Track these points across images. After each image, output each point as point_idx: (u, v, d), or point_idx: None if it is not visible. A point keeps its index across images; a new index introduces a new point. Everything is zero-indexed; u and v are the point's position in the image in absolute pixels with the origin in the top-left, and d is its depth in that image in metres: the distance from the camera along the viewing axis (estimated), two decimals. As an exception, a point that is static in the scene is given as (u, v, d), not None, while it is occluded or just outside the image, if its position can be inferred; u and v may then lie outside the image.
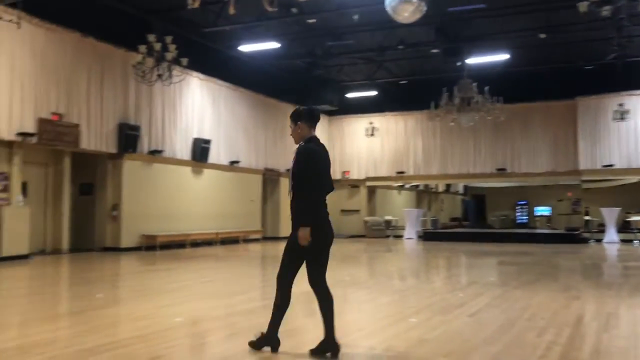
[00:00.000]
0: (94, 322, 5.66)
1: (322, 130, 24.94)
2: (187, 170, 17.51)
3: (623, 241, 19.58)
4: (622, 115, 20.36)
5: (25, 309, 6.73)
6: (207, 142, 17.93)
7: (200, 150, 17.64)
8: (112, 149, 14.93)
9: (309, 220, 4.25)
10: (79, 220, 15.19)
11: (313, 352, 4.32)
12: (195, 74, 17.53)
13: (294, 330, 5.38)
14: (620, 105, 20.51)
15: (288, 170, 21.17)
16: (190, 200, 17.47)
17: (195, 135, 17.72)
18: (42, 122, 12.84)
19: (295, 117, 4.64)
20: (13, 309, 6.79)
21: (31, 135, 12.56)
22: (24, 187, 13.18)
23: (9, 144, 12.49)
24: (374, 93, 22.64)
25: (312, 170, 4.36)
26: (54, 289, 9.02)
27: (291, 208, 4.39)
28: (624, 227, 21.36)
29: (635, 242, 19.41)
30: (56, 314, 6.58)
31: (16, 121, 12.33)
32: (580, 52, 18.93)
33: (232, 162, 19.33)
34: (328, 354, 4.25)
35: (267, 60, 19.21)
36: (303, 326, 5.76)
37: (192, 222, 17.30)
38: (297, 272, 4.44)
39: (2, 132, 12.02)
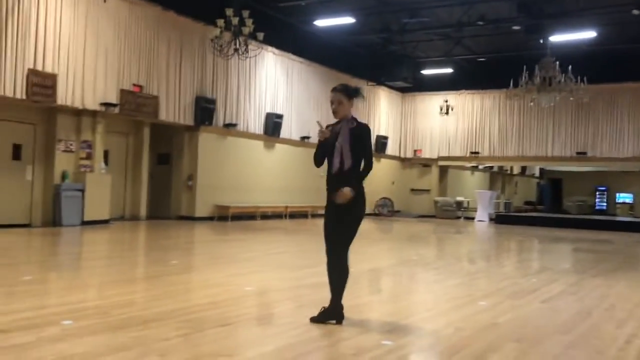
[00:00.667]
0: (168, 287, 5.88)
1: (395, 107, 24.68)
2: (259, 144, 17.79)
3: None
4: None
5: (105, 272, 7.08)
6: (280, 117, 18.11)
7: (273, 125, 17.84)
8: (189, 121, 15.34)
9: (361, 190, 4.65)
10: (156, 189, 15.80)
11: (315, 319, 4.44)
12: (270, 48, 17.67)
13: (359, 306, 5.40)
14: None
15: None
16: (262, 173, 17.78)
17: (268, 110, 17.93)
18: (124, 94, 13.33)
19: (351, 93, 4.73)
20: (93, 271, 7.17)
21: (114, 105, 13.08)
22: (106, 156, 13.80)
23: (93, 114, 13.06)
24: (449, 70, 22.09)
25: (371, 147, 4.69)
26: (131, 253, 9.45)
27: (342, 179, 4.56)
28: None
29: None
30: (133, 277, 6.90)
31: (100, 92, 12.86)
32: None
33: (303, 138, 19.45)
34: (333, 321, 4.38)
35: (342, 35, 19.09)
36: (370, 302, 5.76)
37: (262, 194, 17.62)
38: None
39: (87, 102, 12.57)
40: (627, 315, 5.28)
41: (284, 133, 18.43)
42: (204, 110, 15.42)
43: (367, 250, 11.00)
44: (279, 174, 18.53)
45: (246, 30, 13.00)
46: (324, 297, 5.67)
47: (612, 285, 7.06)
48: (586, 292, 6.53)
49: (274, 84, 18.32)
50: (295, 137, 19.19)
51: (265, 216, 17.42)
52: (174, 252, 9.39)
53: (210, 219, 15.80)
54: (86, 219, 12.52)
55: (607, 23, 17.27)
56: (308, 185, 19.74)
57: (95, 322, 4.29)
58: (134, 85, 13.68)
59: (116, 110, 13.20)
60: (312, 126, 19.86)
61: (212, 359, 3.49)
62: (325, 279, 6.98)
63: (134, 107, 13.62)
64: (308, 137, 19.59)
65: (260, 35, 13.46)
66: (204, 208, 15.82)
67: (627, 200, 28.16)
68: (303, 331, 4.21)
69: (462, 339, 4.19)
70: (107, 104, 12.93)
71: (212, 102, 15.73)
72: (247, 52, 13.30)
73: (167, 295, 5.47)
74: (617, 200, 28.62)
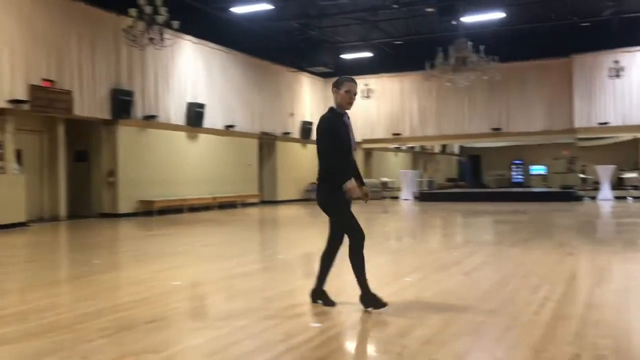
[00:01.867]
0: (92, 287, 5.72)
1: (317, 93, 24.81)
2: (182, 135, 17.45)
3: (617, 198, 19.73)
4: (617, 72, 20.27)
5: (24, 276, 6.79)
6: (202, 106, 17.83)
7: (195, 115, 17.55)
8: (106, 115, 14.84)
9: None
10: (75, 187, 15.21)
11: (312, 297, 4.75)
12: (187, 37, 17.31)
13: (292, 292, 5.46)
14: (616, 62, 20.41)
15: (286, 133, 20.93)
16: (187, 165, 17.48)
17: (189, 100, 17.61)
18: (33, 89, 12.72)
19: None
20: (12, 276, 6.85)
21: (23, 102, 12.45)
22: (19, 155, 13.14)
23: (1, 111, 12.39)
24: (369, 54, 22.42)
25: None
26: (52, 255, 9.09)
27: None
28: (618, 184, 21.49)
29: (628, 198, 19.55)
30: (55, 280, 6.65)
31: (7, 88, 12.21)
32: (576, 8, 18.69)
33: (228, 127, 19.25)
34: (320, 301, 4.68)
35: (260, 22, 18.95)
36: (303, 286, 5.83)
37: (189, 187, 17.35)
38: None
39: (-7, 100, 11.91)
40: (540, 281, 5.62)
41: (207, 123, 18.16)
42: (121, 103, 14.94)
43: (298, 235, 11.09)
44: (205, 164, 18.28)
45: (160, 19, 12.66)
46: (255, 286, 5.70)
47: (527, 254, 7.47)
48: (504, 261, 6.88)
49: (194, 73, 17.99)
50: (220, 126, 18.96)
51: (192, 209, 17.16)
52: (97, 250, 9.11)
53: (134, 215, 15.40)
54: (0, 222, 11.90)
55: (514, 3, 18.05)
56: (236, 174, 19.61)
57: (13, 329, 4.12)
58: (44, 80, 13.07)
59: (26, 107, 12.57)
60: (236, 114, 19.68)
61: (138, 357, 3.44)
62: (256, 266, 7.00)
63: (45, 103, 13.03)
64: (232, 126, 19.41)
65: (176, 24, 13.15)
66: (128, 204, 15.40)
67: (541, 172, 29.69)
68: (233, 321, 4.22)
69: (389, 315, 4.33)
70: (15, 101, 12.29)
71: (130, 94, 15.27)
72: (163, 41, 12.97)
73: (91, 295, 5.32)
74: (531, 172, 30.10)
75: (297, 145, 23.39)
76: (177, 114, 17.20)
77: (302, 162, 23.62)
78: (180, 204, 16.70)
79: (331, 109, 4.64)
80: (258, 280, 6.07)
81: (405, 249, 8.61)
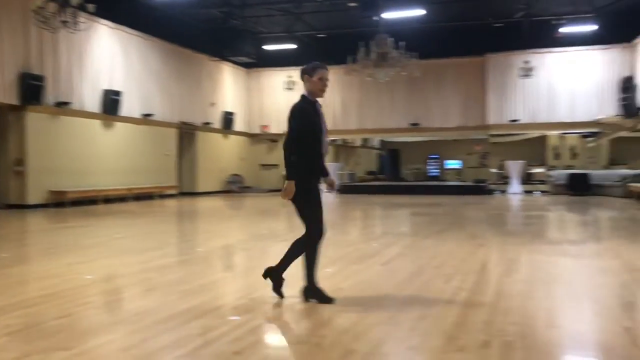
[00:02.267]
0: (-3, 283, 5.40)
1: (240, 83, 24.54)
2: (97, 123, 16.77)
3: (526, 192, 20.81)
4: (527, 72, 21.32)
5: None
6: (118, 93, 17.19)
7: (111, 103, 16.90)
8: (14, 100, 14.02)
9: None
10: (-22, 177, 14.28)
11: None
12: (103, 21, 16.64)
13: (210, 285, 5.39)
14: (526, 62, 21.46)
15: (207, 123, 20.56)
16: (102, 154, 16.82)
17: (105, 87, 16.93)
18: None
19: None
20: None
21: None
22: None
23: None
24: (292, 46, 22.40)
25: None
26: (-48, 249, 8.50)
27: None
28: (526, 178, 22.68)
29: (536, 192, 20.67)
30: (-45, 275, 6.22)
31: None
32: (490, 9, 19.50)
33: (146, 115, 18.68)
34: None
35: (181, 8, 18.50)
36: (221, 279, 5.77)
37: (104, 177, 16.71)
38: None
39: None
40: (453, 270, 5.84)
41: (124, 111, 17.54)
42: (31, 87, 14.16)
43: (218, 227, 10.95)
44: (121, 154, 17.65)
45: (74, 1, 12.08)
46: (173, 280, 5.58)
47: (441, 245, 7.75)
48: (420, 252, 7.10)
49: (111, 59, 17.30)
50: (137, 114, 18.37)
51: (107, 200, 16.55)
52: (3, 243, 8.61)
53: (45, 206, 14.67)
54: None
55: (433, 2, 18.56)
56: (153, 165, 19.08)
57: None
58: (-56, 61, 12.16)
59: None
60: (155, 103, 19.13)
61: (46, 355, 3.28)
62: (172, 259, 6.84)
63: (-56, 85, 12.12)
64: (151, 115, 18.86)
65: (91, 7, 12.61)
66: (38, 195, 14.64)
67: (455, 166, 30.81)
68: (149, 316, 4.11)
69: (308, 307, 4.37)
70: None
71: (40, 79, 14.49)
72: (77, 24, 12.38)
73: (-5, 291, 5.02)
74: (446, 167, 31.18)
75: (219, 136, 23.06)
76: (91, 101, 16.49)
77: (223, 153, 23.33)
78: (95, 195, 16.06)
79: (303, 97, 4.55)
80: (175, 274, 5.95)
81: (326, 241, 8.68)
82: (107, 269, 6.27)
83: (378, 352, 3.39)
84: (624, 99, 19.71)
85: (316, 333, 3.70)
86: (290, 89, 24.12)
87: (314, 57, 20.42)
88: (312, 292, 4.48)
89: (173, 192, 20.11)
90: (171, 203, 17.57)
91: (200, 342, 3.51)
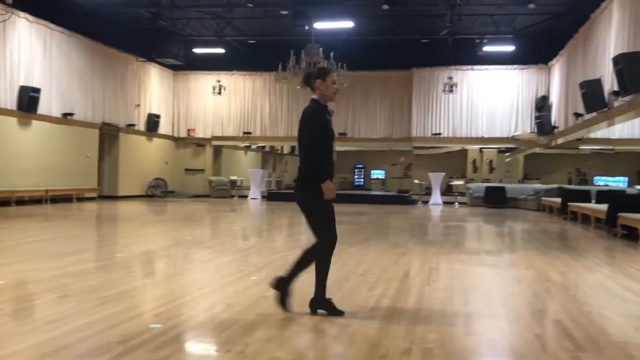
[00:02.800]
0: None
1: (166, 85, 24.05)
2: (12, 120, 15.92)
3: (446, 203, 21.52)
4: (450, 87, 22.10)
5: None
6: (37, 90, 16.39)
7: (28, 100, 16.09)
8: None
9: None
10: None
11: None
12: (23, 14, 15.87)
13: (131, 291, 5.22)
14: (450, 78, 22.25)
15: (130, 125, 19.99)
16: (16, 153, 15.97)
17: (22, 83, 16.11)
18: None
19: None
20: None
21: None
22: None
23: None
24: (222, 51, 22.19)
25: None
26: None
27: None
28: (447, 190, 23.46)
29: (456, 204, 21.42)
30: None
31: None
32: (417, 25, 20.11)
33: (66, 115, 17.93)
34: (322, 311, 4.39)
35: (107, 6, 17.94)
36: (142, 286, 5.61)
37: (18, 177, 15.87)
38: None
39: None
40: (377, 278, 5.95)
41: (43, 109, 16.75)
42: (-61, 80, 13.26)
43: (140, 232, 10.64)
44: (38, 154, 16.83)
45: (-9, -9, 11.45)
46: (91, 286, 5.36)
47: (366, 253, 7.88)
48: (345, 260, 7.18)
49: (29, 54, 16.49)
50: (56, 113, 17.59)
51: (21, 202, 15.72)
52: None
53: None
54: None
55: (362, 15, 18.95)
56: (72, 166, 18.34)
57: None
58: None
59: None
60: (76, 102, 18.39)
61: (-48, 365, 3.08)
62: (90, 265, 6.60)
63: None
64: (71, 114, 18.12)
65: (10, -1, 11.98)
66: (-57, 194, 13.70)
67: (380, 176, 31.43)
68: (65, 323, 3.94)
69: (233, 315, 4.32)
70: None
71: (-50, 71, 13.60)
72: (-7, 16, 11.74)
73: None
74: (372, 177, 31.75)
75: (142, 138, 22.46)
76: (6, 98, 15.64)
77: (146, 156, 22.73)
78: (8, 196, 15.21)
79: (315, 101, 4.43)
80: (93, 280, 5.72)
81: (251, 248, 8.64)
82: (19, 274, 5.95)
83: (302, 360, 3.39)
84: (538, 117, 20.79)
85: (240, 341, 3.66)
86: (218, 93, 23.88)
87: (243, 63, 20.49)
88: (321, 304, 4.37)
89: (93, 195, 19.38)
90: (90, 206, 16.91)
91: (120, 350, 3.39)
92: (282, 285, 4.43)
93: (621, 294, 5.55)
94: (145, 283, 5.88)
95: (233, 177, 24.52)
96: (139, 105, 22.09)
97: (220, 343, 3.70)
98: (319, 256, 4.41)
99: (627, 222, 10.29)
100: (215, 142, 24.51)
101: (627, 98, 11.63)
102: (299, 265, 4.45)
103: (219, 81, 23.90)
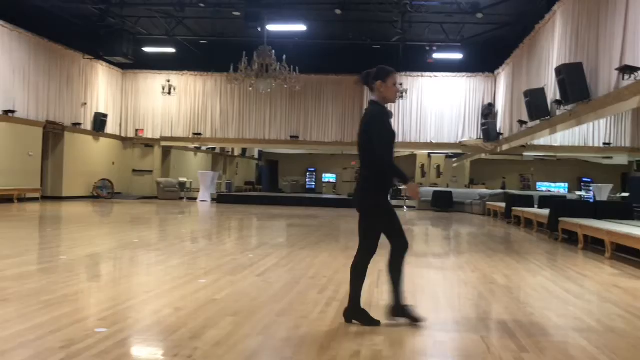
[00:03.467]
0: None
1: (114, 84, 23.52)
2: (-51, 117, 15.23)
3: (395, 207, 21.74)
4: (401, 93, 22.43)
5: None
6: (-24, 86, 15.73)
7: (-33, 96, 15.43)
8: None
9: None
10: None
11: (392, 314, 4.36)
12: (-39, 6, 15.21)
13: (75, 295, 5.07)
14: (400, 84, 22.56)
15: (76, 124, 19.46)
16: (-48, 152, 15.28)
17: (-40, 78, 15.45)
18: None
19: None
20: None
21: None
22: None
23: None
24: (172, 50, 21.86)
25: None
26: None
27: None
28: (395, 194, 23.77)
29: (404, 207, 21.72)
30: None
31: None
32: (369, 31, 20.34)
33: (7, 112, 17.27)
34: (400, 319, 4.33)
35: (52, 1, 17.38)
36: (86, 289, 5.45)
37: (-47, 177, 15.17)
38: None
39: None
40: (327, 281, 5.98)
41: (-18, 106, 16.08)
42: None
43: (85, 234, 10.35)
44: (-24, 152, 16.15)
45: None
46: (32, 289, 5.18)
47: (316, 256, 7.90)
48: (295, 263, 7.19)
49: (-32, 49, 15.82)
50: (-4, 111, 16.93)
51: (-43, 201, 15.04)
52: None
53: None
54: None
55: (315, 19, 19.03)
56: (14, 165, 17.71)
57: None
58: None
59: None
60: (18, 99, 17.74)
61: None
62: (31, 267, 6.38)
63: None
64: (13, 111, 17.48)
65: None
66: None
67: (332, 180, 31.62)
68: (4, 328, 3.79)
69: (181, 318, 4.25)
70: None
71: None
72: None
73: None
74: (323, 180, 31.91)
75: (89, 138, 21.87)
76: (-57, 93, 14.97)
77: (93, 156, 22.15)
78: (-58, 195, 14.55)
79: (375, 103, 4.27)
80: (35, 283, 5.53)
81: (200, 251, 8.53)
82: (-45, 277, 5.68)
83: (251, 363, 3.37)
84: (484, 124, 21.35)
85: (188, 345, 3.61)
86: (168, 93, 23.51)
87: (193, 63, 20.28)
88: (355, 315, 4.29)
89: (35, 195, 18.72)
90: (33, 207, 16.33)
91: (62, 355, 3.29)
92: (398, 309, 4.34)
93: (562, 296, 5.76)
94: (90, 286, 5.72)
95: (182, 179, 24.17)
96: (85, 103, 21.50)
97: (168, 347, 3.63)
98: (358, 264, 4.33)
99: (567, 226, 10.69)
100: (164, 143, 24.09)
101: (568, 107, 12.08)
102: (395, 279, 4.37)
103: (168, 81, 23.53)
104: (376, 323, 4.23)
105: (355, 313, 4.27)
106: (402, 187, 4.15)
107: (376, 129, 4.13)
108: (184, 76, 23.83)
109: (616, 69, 9.43)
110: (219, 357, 3.40)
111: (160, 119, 23.90)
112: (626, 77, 8.93)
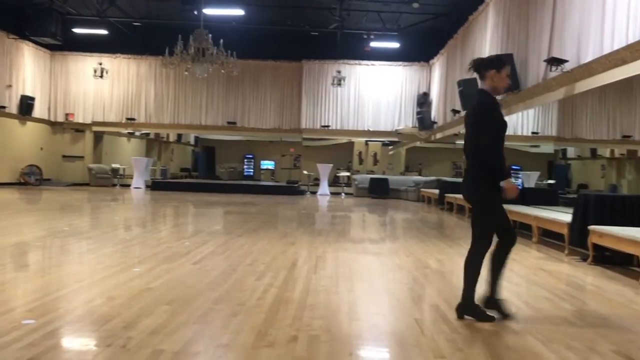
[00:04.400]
0: None
1: (42, 66, 22.50)
2: None
3: (333, 194, 22.00)
4: (339, 81, 22.56)
5: None
6: None
7: None
8: None
9: None
10: None
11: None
12: None
13: (3, 285, 4.86)
14: (338, 72, 22.70)
15: (1, 107, 18.21)
16: None
17: None
18: None
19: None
20: None
21: None
22: None
23: None
24: (104, 32, 21.08)
25: None
26: None
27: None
28: (334, 181, 23.99)
29: (342, 194, 21.95)
30: None
31: None
32: (308, 18, 20.30)
33: None
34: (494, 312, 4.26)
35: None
36: (12, 280, 5.23)
37: None
38: None
39: None
40: (265, 268, 5.98)
41: None
42: None
43: (11, 222, 9.90)
44: None
45: None
46: (-48, 280, 4.91)
47: (254, 243, 7.87)
48: (233, 250, 7.14)
49: None
50: None
51: None
52: None
53: None
54: None
55: (253, 3, 18.81)
56: None
57: None
58: None
59: None
60: None
61: None
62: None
63: None
64: None
65: None
66: None
67: (270, 167, 31.51)
68: None
69: (114, 308, 4.16)
70: None
71: None
72: None
73: None
74: (261, 167, 31.75)
75: (15, 122, 20.85)
76: None
77: (19, 141, 21.16)
78: None
79: (486, 93, 4.16)
80: (-43, 274, 5.25)
81: (134, 239, 8.34)
82: None
83: (188, 352, 3.34)
84: (420, 113, 21.78)
85: (122, 335, 3.54)
86: (100, 76, 22.70)
87: (127, 45, 19.70)
88: (469, 310, 4.20)
89: (-45, 182, 17.72)
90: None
91: (-13, 349, 3.15)
92: (492, 301, 4.28)
93: (491, 279, 5.99)
94: (17, 276, 5.49)
95: (115, 165, 23.46)
96: (10, 86, 20.45)
97: (101, 337, 3.54)
98: (474, 258, 4.22)
99: (497, 212, 11.08)
100: (95, 128, 23.28)
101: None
102: (497, 271, 4.30)
103: (100, 64, 22.71)
104: (491, 319, 4.16)
105: (468, 309, 4.21)
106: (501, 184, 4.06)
107: (486, 119, 4.08)
108: (117, 59, 23.05)
109: (544, 61, 9.81)
110: (155, 346, 3.35)
111: (91, 103, 23.07)
112: (553, 68, 9.30)
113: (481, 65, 4.24)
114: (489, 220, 4.22)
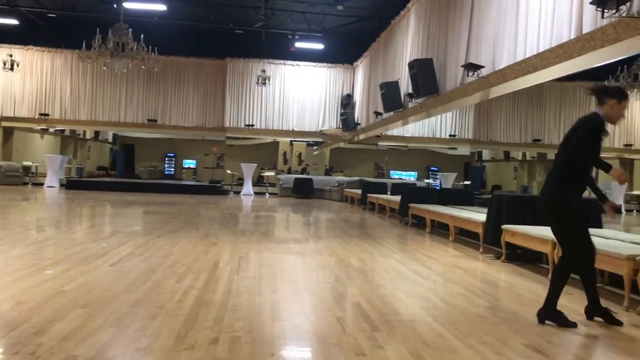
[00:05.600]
0: None
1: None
2: None
3: (257, 194, 21.88)
4: (264, 80, 22.46)
5: None
6: None
7: None
8: None
9: None
10: None
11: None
12: None
13: None
14: (263, 71, 22.60)
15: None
16: None
17: None
18: None
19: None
20: None
21: None
22: None
23: None
24: (15, 22, 19.95)
25: None
26: None
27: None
28: (259, 181, 23.87)
29: (266, 194, 21.88)
30: None
31: None
32: (232, 16, 20.09)
33: None
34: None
35: None
36: None
37: None
38: None
39: None
40: (186, 270, 5.85)
41: None
42: None
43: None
44: None
45: None
46: None
47: (175, 244, 7.69)
48: (152, 252, 6.95)
49: None
50: None
51: None
52: None
53: None
54: None
55: (176, -1, 18.40)
56: None
57: None
58: None
59: None
60: None
61: None
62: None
63: None
64: None
65: None
66: None
67: (192, 166, 30.92)
68: None
69: (24, 312, 3.94)
70: None
71: None
72: None
73: None
74: (183, 166, 31.10)
75: None
76: None
77: None
78: None
79: (598, 116, 4.25)
80: None
81: (47, 240, 7.94)
82: None
83: (103, 356, 3.21)
84: (343, 114, 22.06)
85: (31, 341, 3.35)
86: (10, 69, 21.48)
87: (42, 38, 18.81)
88: (550, 315, 4.28)
89: None
90: None
91: None
92: (550, 314, 4.31)
93: (411, 277, 6.15)
94: None
95: (27, 163, 22.26)
96: None
97: (8, 345, 3.34)
98: (565, 268, 4.36)
99: (416, 212, 11.43)
100: (5, 123, 21.99)
101: (419, 100, 12.85)
102: (556, 283, 4.35)
103: (11, 55, 21.46)
104: (572, 325, 4.23)
105: (550, 314, 4.29)
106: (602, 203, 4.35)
107: (589, 137, 4.18)
108: (30, 51, 21.89)
109: (462, 66, 10.18)
110: (67, 352, 3.20)
111: (0, 96, 21.79)
112: (470, 74, 9.67)
113: (603, 92, 4.35)
114: (575, 231, 4.35)
